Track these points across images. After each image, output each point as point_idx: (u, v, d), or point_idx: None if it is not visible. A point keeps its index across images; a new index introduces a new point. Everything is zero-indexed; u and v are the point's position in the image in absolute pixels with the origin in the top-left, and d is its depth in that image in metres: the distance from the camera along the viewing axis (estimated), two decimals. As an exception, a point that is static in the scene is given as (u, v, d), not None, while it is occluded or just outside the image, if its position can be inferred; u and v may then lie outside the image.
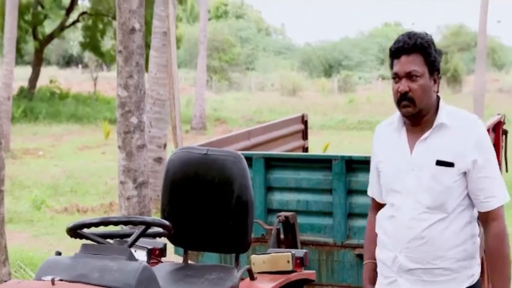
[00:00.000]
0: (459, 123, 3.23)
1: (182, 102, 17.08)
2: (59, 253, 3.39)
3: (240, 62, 48.73)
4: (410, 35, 3.24)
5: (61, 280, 3.08)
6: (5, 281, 5.21)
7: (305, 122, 7.74)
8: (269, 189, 5.29)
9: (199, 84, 25.23)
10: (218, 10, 56.81)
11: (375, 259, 3.43)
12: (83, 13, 31.46)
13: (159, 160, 11.34)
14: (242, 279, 3.65)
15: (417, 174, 3.22)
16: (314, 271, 4.21)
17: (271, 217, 5.21)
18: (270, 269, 3.92)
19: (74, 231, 3.42)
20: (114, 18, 26.81)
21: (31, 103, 27.55)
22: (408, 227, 3.23)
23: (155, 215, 8.81)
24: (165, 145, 11.53)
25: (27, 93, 29.45)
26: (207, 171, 3.84)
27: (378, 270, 3.40)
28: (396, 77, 3.23)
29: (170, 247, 4.28)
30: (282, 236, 5.04)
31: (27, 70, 34.11)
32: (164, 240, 4.00)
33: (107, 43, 33.05)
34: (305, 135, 7.71)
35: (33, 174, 15.01)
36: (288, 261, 3.92)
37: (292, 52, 55.79)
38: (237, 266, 3.86)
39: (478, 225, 3.36)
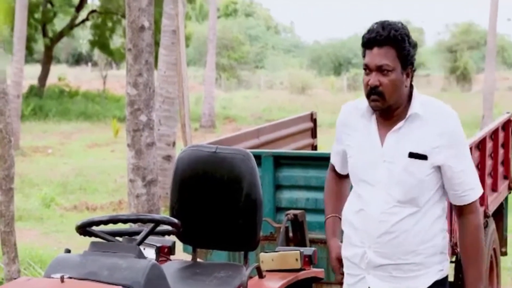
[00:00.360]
0: (433, 114, 3.11)
1: (191, 100, 17.09)
2: (68, 251, 3.40)
3: (249, 60, 48.72)
4: (384, 25, 3.07)
5: (70, 277, 3.08)
6: (15, 279, 5.23)
7: (314, 120, 7.74)
8: (278, 187, 5.29)
9: (208, 82, 25.24)
10: (228, 8, 56.80)
11: (338, 214, 3.36)
12: (93, 11, 31.52)
13: (168, 158, 11.36)
14: (250, 277, 3.65)
15: (388, 166, 3.10)
16: (322, 269, 4.20)
17: (279, 215, 5.21)
18: (278, 267, 3.92)
19: (84, 229, 3.42)
20: (123, 16, 26.85)
21: (40, 101, 27.62)
22: (379, 221, 3.12)
23: (164, 213, 8.83)
24: (174, 143, 11.55)
25: (37, 91, 29.52)
26: (216, 169, 3.84)
27: (344, 269, 3.31)
28: (367, 69, 3.09)
29: (179, 245, 4.28)
30: (290, 234, 5.04)
31: (37, 68, 34.20)
32: (173, 238, 4.00)
33: (116, 41, 33.10)
34: (314, 133, 7.71)
35: (43, 172, 15.05)
36: (297, 259, 3.92)
37: (301, 50, 55.76)
38: (246, 264, 3.86)
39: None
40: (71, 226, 8.97)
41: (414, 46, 3.14)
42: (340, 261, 3.33)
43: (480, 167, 5.83)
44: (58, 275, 3.06)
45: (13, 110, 15.22)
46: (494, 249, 6.12)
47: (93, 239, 3.43)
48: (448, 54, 44.13)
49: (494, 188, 6.30)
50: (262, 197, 3.81)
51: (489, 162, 6.09)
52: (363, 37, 3.10)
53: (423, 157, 3.06)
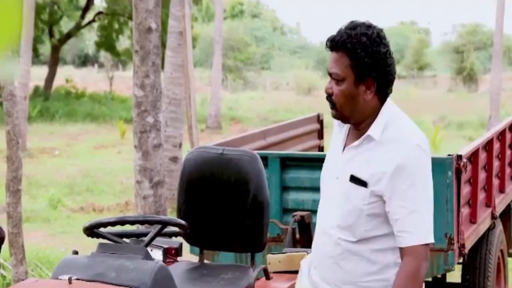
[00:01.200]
0: (390, 138, 2.72)
1: (197, 102, 17.06)
2: (76, 252, 3.41)
3: (255, 61, 48.74)
4: (346, 28, 2.69)
5: (77, 279, 3.09)
6: (22, 280, 5.24)
7: (320, 122, 7.73)
8: (285, 188, 5.29)
9: (214, 83, 25.26)
10: (234, 9, 56.82)
11: None
12: (99, 12, 31.58)
13: (174, 159, 11.37)
14: (257, 278, 3.66)
15: (338, 186, 2.81)
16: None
17: (286, 217, 5.21)
18: (285, 268, 3.92)
19: (91, 230, 3.43)
20: (130, 18, 26.88)
21: (47, 103, 27.68)
22: (321, 241, 2.87)
23: (171, 215, 8.83)
24: (180, 145, 11.56)
25: (43, 93, 29.59)
26: (223, 171, 3.85)
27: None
28: (328, 74, 2.78)
29: (186, 246, 4.29)
30: (297, 235, 5.03)
31: (44, 70, 34.27)
32: (180, 239, 4.01)
33: (122, 43, 33.15)
34: (320, 135, 7.71)
35: (50, 173, 15.08)
36: (304, 261, 3.92)
37: (307, 51, 55.74)
38: (253, 266, 3.86)
39: None
40: (78, 227, 8.98)
41: (374, 56, 2.67)
42: None
43: (488, 168, 5.82)
44: (66, 277, 3.07)
45: (20, 111, 15.24)
46: (502, 251, 6.11)
47: (101, 240, 3.43)
48: (454, 54, 44.08)
49: (502, 189, 6.29)
50: (269, 199, 3.82)
51: (496, 163, 6.08)
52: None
53: (363, 183, 2.72)
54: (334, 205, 2.81)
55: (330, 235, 2.82)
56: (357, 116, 2.76)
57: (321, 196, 2.94)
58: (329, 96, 2.75)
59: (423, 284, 2.79)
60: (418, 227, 2.69)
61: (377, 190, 2.70)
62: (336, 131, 2.92)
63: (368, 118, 2.76)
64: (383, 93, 2.76)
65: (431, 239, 2.72)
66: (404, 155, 2.68)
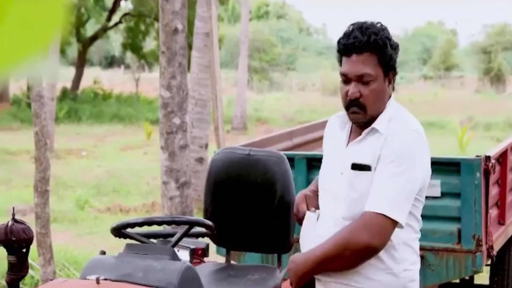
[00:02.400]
0: (391, 131, 2.73)
1: (223, 103, 17.13)
2: (103, 253, 3.43)
3: (281, 62, 48.73)
4: (363, 29, 2.70)
5: (105, 279, 3.11)
6: (51, 280, 5.27)
7: (347, 122, 7.70)
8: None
9: (240, 84, 25.29)
10: (260, 10, 56.85)
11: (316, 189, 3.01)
12: (126, 14, 31.74)
13: (200, 160, 11.39)
14: (284, 279, 3.65)
15: (342, 179, 2.79)
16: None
17: (313, 218, 5.19)
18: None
19: (118, 231, 3.45)
20: (156, 19, 26.97)
21: (74, 104, 27.87)
22: (323, 235, 2.80)
23: (197, 215, 8.85)
24: (206, 145, 11.58)
25: (71, 94, 29.79)
26: (249, 172, 3.85)
27: None
28: (345, 78, 2.75)
29: (213, 247, 4.29)
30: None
31: (70, 71, 34.50)
32: (206, 240, 4.02)
33: (149, 44, 33.29)
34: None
35: (77, 174, 15.17)
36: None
37: (333, 52, 55.30)
38: (280, 267, 3.85)
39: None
40: (104, 228, 9.03)
41: (396, 48, 2.79)
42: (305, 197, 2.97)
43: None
44: (94, 277, 3.08)
45: (48, 112, 15.37)
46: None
47: (128, 240, 3.45)
48: (482, 55, 43.77)
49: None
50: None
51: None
52: (339, 42, 2.78)
53: (366, 167, 2.72)
54: (339, 199, 2.80)
55: (336, 229, 2.78)
56: (379, 112, 2.78)
57: (322, 195, 2.91)
58: (355, 101, 2.73)
59: (358, 260, 2.73)
60: (380, 195, 2.67)
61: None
62: (336, 131, 2.91)
63: (381, 112, 2.80)
64: (393, 85, 2.84)
65: (396, 216, 2.66)
66: (398, 133, 2.72)
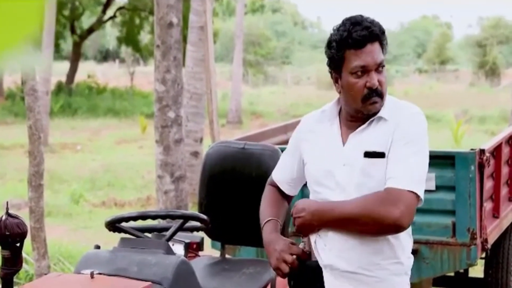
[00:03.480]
0: (396, 116, 2.78)
1: (218, 96, 17.12)
2: (98, 247, 3.43)
3: (276, 56, 48.70)
4: (365, 21, 2.76)
5: (100, 273, 3.10)
6: (45, 274, 5.27)
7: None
8: (305, 183, 5.26)
9: (235, 78, 25.26)
10: (255, 4, 56.76)
11: (279, 219, 3.00)
12: (120, 8, 31.68)
13: (195, 154, 11.38)
14: (279, 273, 3.65)
15: (347, 170, 2.79)
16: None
17: (308, 211, 5.19)
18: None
19: (113, 225, 3.44)
20: (151, 13, 26.92)
21: (69, 98, 27.82)
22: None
23: (192, 209, 8.85)
24: (201, 139, 11.57)
25: (65, 88, 29.74)
26: (244, 165, 3.85)
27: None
28: (363, 70, 2.74)
29: (207, 241, 4.29)
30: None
31: (65, 65, 34.45)
32: (201, 234, 4.01)
33: (144, 38, 33.24)
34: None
35: (71, 168, 15.15)
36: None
37: (329, 46, 55.46)
38: (275, 260, 3.85)
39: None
40: (99, 222, 9.02)
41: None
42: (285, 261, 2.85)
43: (510, 162, 5.78)
44: (88, 271, 3.08)
45: (42, 106, 15.35)
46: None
47: (122, 235, 3.44)
48: (477, 48, 43.80)
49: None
50: (290, 193, 3.80)
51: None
52: (348, 38, 2.74)
53: (380, 154, 2.75)
54: (350, 189, 2.77)
55: None
56: None
57: (318, 190, 2.88)
58: (375, 90, 2.75)
59: (381, 233, 2.75)
60: (403, 173, 2.70)
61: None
62: (324, 127, 2.90)
63: None
64: None
65: (419, 192, 2.70)
66: (406, 119, 2.77)
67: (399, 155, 2.72)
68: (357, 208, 2.71)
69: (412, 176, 2.70)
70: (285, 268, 2.81)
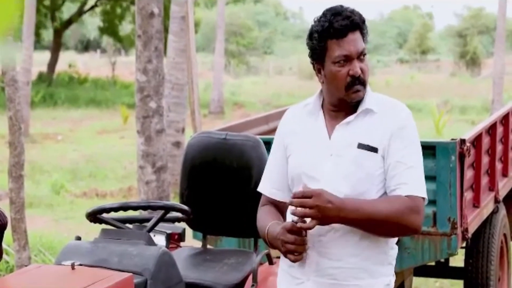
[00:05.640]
0: (385, 109, 2.80)
1: (200, 87, 17.07)
2: (79, 238, 3.41)
3: (258, 46, 48.66)
4: (345, 11, 2.77)
5: (81, 264, 3.09)
6: (26, 266, 5.25)
7: (323, 106, 7.71)
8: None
9: (217, 68, 25.23)
10: (236, -6, 56.67)
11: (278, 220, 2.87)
12: (101, -3, 31.52)
13: (177, 144, 11.36)
14: (260, 263, 3.65)
15: (335, 160, 2.77)
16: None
17: (289, 202, 5.19)
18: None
19: (94, 216, 3.43)
20: (132, 2, 26.81)
21: (50, 88, 27.67)
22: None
23: (174, 200, 8.84)
24: (183, 130, 11.55)
25: (46, 78, 29.57)
26: (225, 156, 3.84)
27: (284, 273, 2.92)
28: (345, 59, 2.75)
29: (189, 232, 4.29)
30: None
31: (46, 55, 34.24)
32: (183, 224, 4.01)
33: (125, 28, 33.09)
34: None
35: (53, 158, 15.09)
36: (307, 245, 3.91)
37: (310, 36, 55.47)
38: (256, 251, 3.86)
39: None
40: (81, 212, 8.99)
41: None
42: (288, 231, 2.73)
43: (491, 152, 5.81)
44: (69, 262, 3.07)
45: (23, 97, 15.25)
46: (505, 235, 6.10)
47: (103, 226, 3.43)
48: (457, 39, 43.99)
49: (505, 173, 6.28)
50: (272, 184, 3.80)
51: (499, 147, 6.06)
52: (329, 28, 2.74)
53: (373, 149, 2.76)
54: (337, 179, 2.75)
55: None
56: None
57: (304, 180, 2.81)
58: (358, 78, 2.76)
59: (396, 235, 2.81)
60: (416, 180, 2.77)
61: (384, 151, 2.77)
62: (308, 119, 2.89)
63: None
64: None
65: (426, 196, 2.79)
66: (403, 118, 2.80)
67: (407, 159, 2.76)
68: (386, 211, 2.71)
69: (422, 182, 2.79)
70: (290, 247, 2.71)
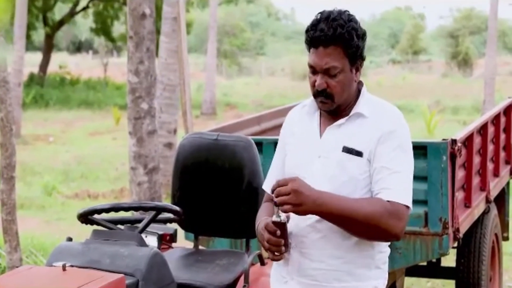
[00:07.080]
0: (377, 113, 2.78)
1: (192, 88, 17.07)
2: (70, 239, 3.41)
3: (250, 47, 48.66)
4: (329, 21, 2.69)
5: (72, 266, 3.09)
6: (17, 267, 5.23)
7: (315, 107, 7.70)
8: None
9: (209, 69, 25.22)
10: (228, -5, 56.66)
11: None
12: (93, -2, 31.46)
13: (169, 145, 11.36)
14: (252, 264, 3.66)
15: (322, 161, 2.77)
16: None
17: (281, 202, 5.19)
18: (280, 254, 3.91)
19: (85, 217, 3.43)
20: (124, 3, 26.77)
21: (41, 89, 27.61)
22: (307, 217, 2.73)
23: (166, 201, 8.83)
24: (175, 131, 11.54)
25: (38, 79, 29.50)
26: (217, 157, 3.84)
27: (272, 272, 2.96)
28: (312, 70, 2.76)
29: (181, 233, 4.28)
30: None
31: (38, 56, 34.16)
32: (174, 225, 4.01)
33: (117, 29, 33.04)
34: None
35: (44, 160, 15.06)
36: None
37: (302, 37, 55.26)
38: (248, 252, 3.86)
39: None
40: (72, 214, 8.97)
41: (363, 36, 2.77)
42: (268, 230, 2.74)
43: (482, 152, 5.82)
44: (60, 264, 3.07)
45: (14, 98, 15.21)
46: (496, 235, 6.12)
47: (95, 227, 3.43)
48: (449, 39, 44.08)
49: (496, 173, 6.29)
50: (263, 184, 3.80)
51: (490, 147, 6.07)
52: (307, 32, 2.75)
53: (358, 153, 2.74)
54: (323, 181, 2.75)
55: None
56: (348, 101, 2.80)
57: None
58: (323, 91, 2.73)
59: (375, 240, 2.75)
60: (400, 186, 2.71)
61: (369, 155, 2.74)
62: (304, 119, 2.90)
63: (352, 101, 2.81)
64: (360, 71, 2.82)
65: (410, 205, 2.73)
66: (393, 121, 2.77)
67: (393, 163, 2.72)
68: (363, 211, 2.67)
69: (408, 190, 2.73)
70: (266, 245, 2.72)
